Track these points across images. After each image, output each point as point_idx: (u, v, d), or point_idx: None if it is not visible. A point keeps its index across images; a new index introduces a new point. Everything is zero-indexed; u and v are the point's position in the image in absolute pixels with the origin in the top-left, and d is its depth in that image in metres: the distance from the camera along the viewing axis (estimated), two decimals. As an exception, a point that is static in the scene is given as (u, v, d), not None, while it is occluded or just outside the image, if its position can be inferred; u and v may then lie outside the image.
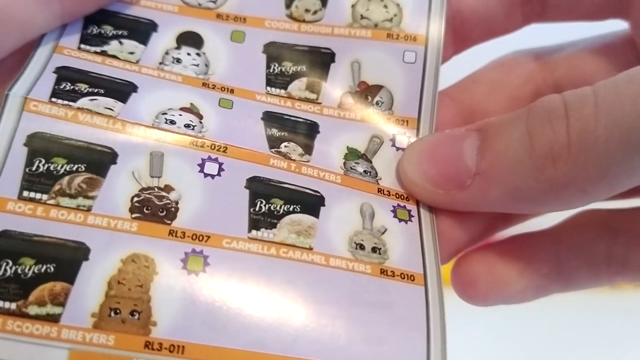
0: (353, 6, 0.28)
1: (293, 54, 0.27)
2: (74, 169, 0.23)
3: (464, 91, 0.29)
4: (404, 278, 0.24)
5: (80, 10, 0.26)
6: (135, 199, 0.23)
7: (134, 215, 0.23)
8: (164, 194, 0.23)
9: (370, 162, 0.26)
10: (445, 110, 0.28)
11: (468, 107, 0.29)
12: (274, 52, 0.27)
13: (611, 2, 0.28)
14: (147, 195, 0.23)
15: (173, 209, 0.23)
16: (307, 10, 0.28)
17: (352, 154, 0.26)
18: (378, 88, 0.27)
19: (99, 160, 0.23)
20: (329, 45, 0.28)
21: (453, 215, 0.26)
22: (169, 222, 0.23)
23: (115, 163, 0.23)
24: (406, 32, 0.28)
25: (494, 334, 0.49)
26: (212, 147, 0.24)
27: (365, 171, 0.26)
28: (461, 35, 0.29)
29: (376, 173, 0.26)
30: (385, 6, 0.28)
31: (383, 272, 0.24)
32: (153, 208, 0.23)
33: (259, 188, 0.24)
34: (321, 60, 0.28)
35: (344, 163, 0.26)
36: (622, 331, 0.50)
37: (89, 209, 0.22)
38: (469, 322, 0.44)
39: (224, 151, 0.24)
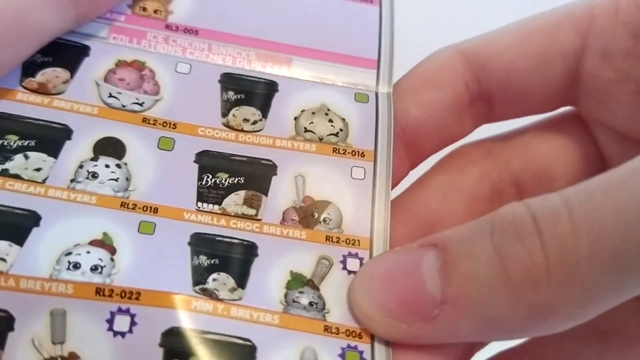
0: (296, 119, 0.24)
1: (229, 165, 0.23)
2: None
3: (416, 200, 0.25)
4: None
5: (92, 13, 0.24)
6: None
7: None
8: None
9: (318, 289, 0.21)
10: (399, 226, 0.23)
11: (424, 219, 0.24)
12: (207, 162, 0.23)
13: (557, 93, 0.26)
14: None
15: None
16: (245, 120, 0.24)
17: (295, 281, 0.21)
18: (325, 204, 0.23)
19: None
20: (270, 157, 0.23)
21: (418, 350, 0.21)
22: None
23: (12, 330, 0.19)
24: (353, 147, 0.24)
25: None
26: (122, 294, 0.20)
27: (310, 303, 0.21)
28: (414, 148, 0.26)
29: (324, 304, 0.21)
30: (331, 120, 0.24)
31: None
32: None
33: (175, 344, 0.20)
34: (262, 172, 0.23)
35: (285, 295, 0.21)
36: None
37: None
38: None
39: (136, 298, 0.20)
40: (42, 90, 0.23)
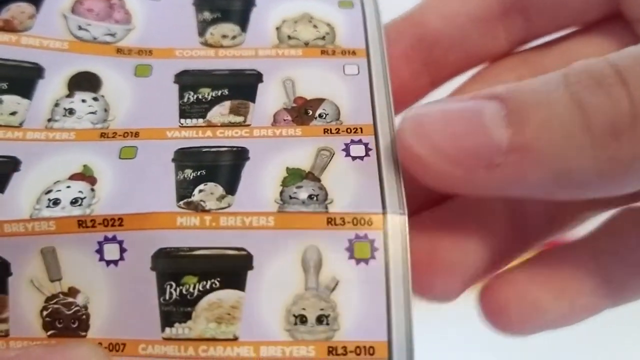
0: (278, 28, 0.23)
1: (211, 79, 0.21)
2: None
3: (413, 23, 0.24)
4: (359, 354, 0.17)
5: None
6: (44, 312, 0.19)
7: (49, 333, 0.19)
8: (70, 299, 0.19)
9: (319, 180, 0.19)
10: (393, 45, 0.22)
11: (421, 37, 0.23)
12: (187, 80, 0.21)
13: None
14: (55, 306, 0.19)
15: (84, 317, 0.19)
16: (224, 36, 0.22)
17: (293, 177, 0.19)
18: (319, 101, 0.21)
19: None
20: (253, 67, 0.22)
21: (452, 233, 0.19)
22: (83, 333, 0.18)
23: (10, 274, 0.19)
24: (343, 47, 0.22)
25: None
26: (105, 223, 0.18)
27: (310, 196, 0.18)
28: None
29: (326, 194, 0.19)
30: (315, 26, 0.23)
31: (332, 351, 0.17)
32: (65, 320, 0.19)
33: (166, 266, 0.18)
34: (246, 82, 0.21)
35: (281, 192, 0.19)
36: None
37: (6, 334, 0.19)
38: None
39: (119, 225, 0.18)
40: (7, 27, 0.22)
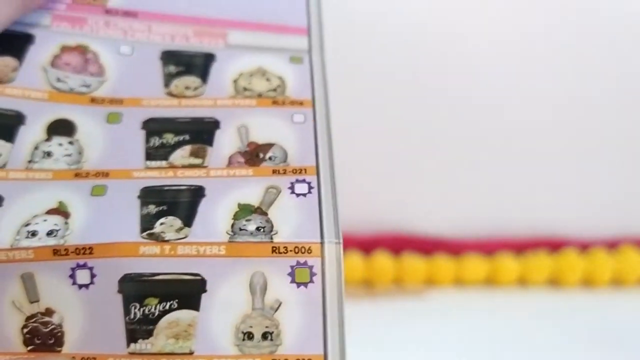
0: (235, 81, 0.25)
1: (174, 126, 0.24)
2: None
3: None
4: None
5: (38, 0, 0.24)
6: (25, 330, 0.20)
7: (29, 348, 0.20)
8: (47, 319, 0.20)
9: (266, 214, 0.21)
10: None
11: None
12: (153, 127, 0.24)
13: None
14: (34, 324, 0.20)
15: (60, 334, 0.20)
16: (187, 88, 0.25)
17: (243, 211, 0.21)
18: (269, 146, 0.23)
19: None
20: (212, 115, 0.24)
21: None
22: (59, 349, 0.20)
23: None
24: (292, 98, 0.24)
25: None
26: (77, 251, 0.20)
27: (258, 228, 0.21)
28: None
29: (271, 227, 0.21)
30: (268, 79, 0.25)
31: None
32: (43, 337, 0.20)
33: (130, 289, 0.20)
34: (205, 128, 0.24)
35: (232, 225, 0.21)
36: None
37: None
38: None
39: (90, 253, 0.20)
40: None
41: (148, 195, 0.22)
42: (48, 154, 0.23)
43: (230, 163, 0.23)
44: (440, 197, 0.50)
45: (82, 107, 0.24)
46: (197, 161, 0.23)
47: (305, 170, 0.22)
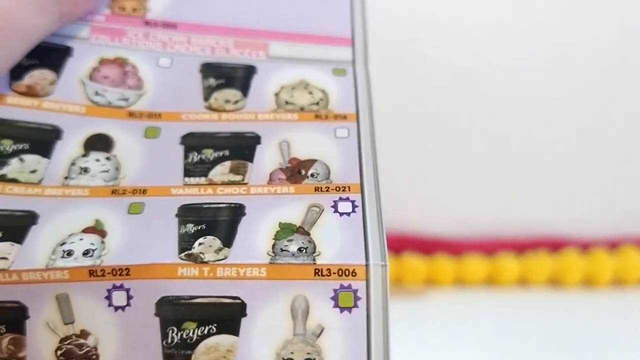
0: (276, 94, 0.24)
1: (214, 141, 0.23)
2: None
3: None
4: None
5: (75, 12, 0.24)
6: (59, 352, 0.20)
7: None
8: (82, 341, 0.20)
9: (308, 234, 0.20)
10: None
11: None
12: (192, 142, 0.23)
13: None
14: (68, 346, 0.20)
15: (94, 357, 0.20)
16: (227, 101, 0.24)
17: (285, 231, 0.20)
18: (311, 162, 0.22)
19: (14, 319, 0.20)
20: (253, 130, 0.23)
21: None
22: None
23: (28, 317, 0.20)
24: (335, 112, 0.23)
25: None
26: (114, 272, 0.19)
27: (300, 249, 0.20)
28: None
29: (314, 248, 0.20)
30: (310, 92, 0.24)
31: None
32: (77, 359, 0.20)
33: (168, 313, 0.19)
34: (246, 144, 0.23)
35: (273, 245, 0.20)
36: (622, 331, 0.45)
37: None
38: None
39: (127, 274, 0.19)
40: (30, 92, 0.23)
41: (186, 213, 0.21)
42: (85, 170, 0.22)
43: (271, 180, 0.22)
44: (440, 197, 0.50)
45: (120, 121, 0.23)
46: (237, 178, 0.22)
47: (349, 188, 0.21)
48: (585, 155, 0.49)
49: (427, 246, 0.49)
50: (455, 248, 0.49)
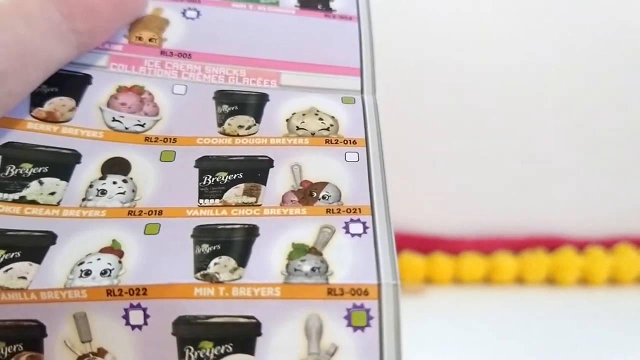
0: (288, 120, 0.24)
1: (228, 165, 0.23)
2: (14, 349, 0.20)
3: None
4: None
5: (93, 42, 0.25)
6: None
7: None
8: (99, 359, 0.20)
9: (321, 254, 0.20)
10: None
11: None
12: (206, 165, 0.23)
13: None
14: None
15: None
16: (240, 127, 0.24)
17: (297, 251, 0.20)
18: (323, 184, 0.23)
19: (32, 337, 0.20)
20: (265, 154, 0.23)
21: None
22: None
23: (46, 335, 0.20)
24: (345, 137, 0.24)
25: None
26: (131, 292, 0.20)
27: (313, 269, 0.20)
28: None
29: (326, 267, 0.20)
30: (321, 118, 0.24)
31: None
32: None
33: (185, 332, 0.19)
34: (259, 167, 0.23)
35: (287, 265, 0.20)
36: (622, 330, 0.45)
37: None
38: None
39: (144, 294, 0.19)
40: (50, 118, 0.23)
41: (202, 234, 0.21)
42: (102, 192, 0.22)
43: (284, 202, 0.22)
44: (438, 197, 0.50)
45: (136, 146, 0.23)
46: (251, 200, 0.22)
47: (359, 209, 0.21)
48: (582, 155, 0.50)
49: (425, 245, 0.49)
50: (453, 247, 0.49)
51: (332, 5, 0.27)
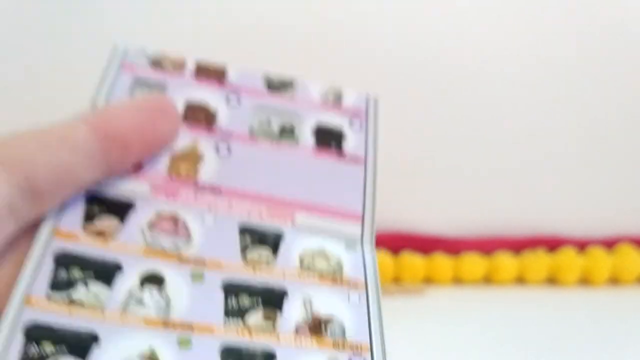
0: (300, 258, 0.29)
1: (249, 290, 0.27)
2: None
3: None
4: None
5: (121, 165, 0.27)
6: None
7: None
8: None
9: None
10: None
11: None
12: (232, 289, 0.27)
13: None
14: None
15: None
16: (260, 257, 0.28)
17: None
18: (330, 320, 0.27)
19: None
20: (282, 286, 0.28)
21: None
22: None
23: None
24: (348, 279, 0.28)
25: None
26: None
27: None
28: None
29: None
30: (327, 260, 0.29)
31: None
32: None
33: None
34: (276, 296, 0.27)
35: None
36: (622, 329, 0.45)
37: None
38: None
39: None
40: (99, 234, 0.27)
41: (228, 355, 0.25)
42: (140, 301, 0.26)
43: (297, 331, 0.26)
44: (438, 196, 0.50)
45: (171, 264, 0.27)
46: (269, 324, 0.26)
47: (360, 347, 0.26)
48: (582, 155, 0.50)
49: (425, 245, 0.49)
50: (453, 247, 0.49)
51: (344, 144, 0.32)
